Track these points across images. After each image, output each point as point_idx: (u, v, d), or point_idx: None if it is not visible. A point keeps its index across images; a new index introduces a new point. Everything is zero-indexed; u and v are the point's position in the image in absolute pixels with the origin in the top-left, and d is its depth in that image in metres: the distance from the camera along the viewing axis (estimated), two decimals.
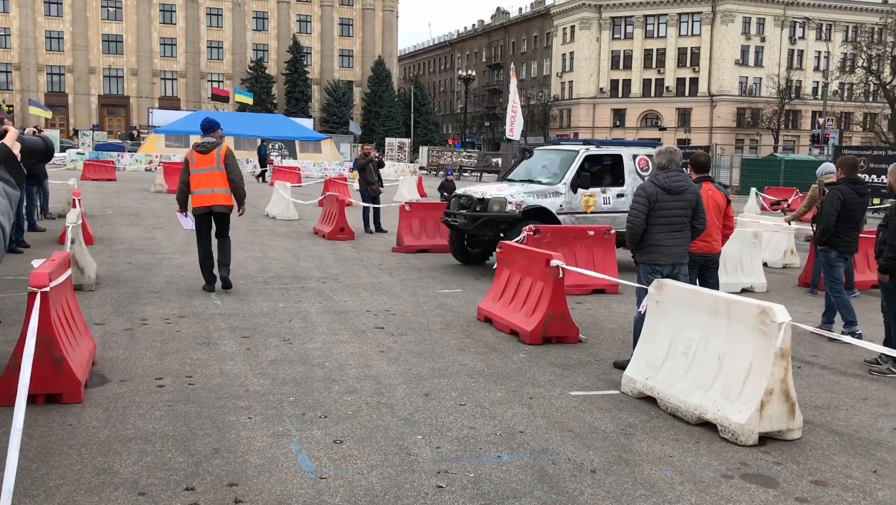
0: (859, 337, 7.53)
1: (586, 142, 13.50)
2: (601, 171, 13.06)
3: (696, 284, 7.47)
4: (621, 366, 6.85)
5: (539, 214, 11.98)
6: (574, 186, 12.26)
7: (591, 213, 12.40)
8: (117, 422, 5.19)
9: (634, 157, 12.89)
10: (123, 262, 12.00)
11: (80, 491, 4.14)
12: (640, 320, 6.81)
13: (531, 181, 12.76)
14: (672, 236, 6.77)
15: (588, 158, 12.66)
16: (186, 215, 9.84)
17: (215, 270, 9.86)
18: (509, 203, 11.83)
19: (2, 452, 4.28)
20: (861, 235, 12.43)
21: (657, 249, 6.77)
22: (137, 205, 22.26)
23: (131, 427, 5.10)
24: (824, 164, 11.03)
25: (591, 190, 12.45)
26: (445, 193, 20.39)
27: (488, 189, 12.69)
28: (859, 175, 8.45)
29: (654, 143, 14.24)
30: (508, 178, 13.65)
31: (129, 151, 49.31)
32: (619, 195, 12.60)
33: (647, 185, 6.90)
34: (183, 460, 4.59)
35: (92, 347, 6.50)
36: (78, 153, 45.18)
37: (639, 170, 12.77)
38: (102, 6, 76.80)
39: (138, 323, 8.06)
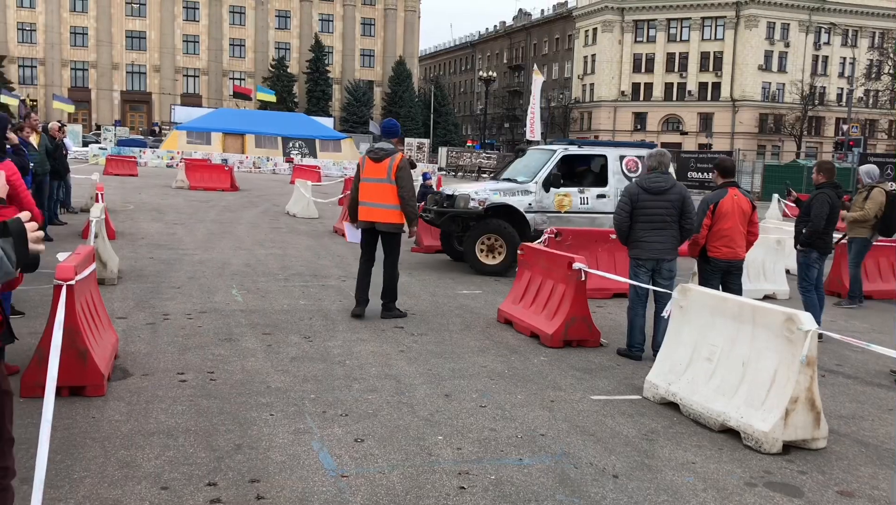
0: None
1: (571, 142, 13.71)
2: (585, 171, 13.15)
3: (719, 289, 7.42)
4: (623, 353, 7.53)
5: (506, 212, 12.19)
6: (546, 185, 12.31)
7: (566, 212, 12.42)
8: (140, 416, 5.21)
9: (622, 158, 12.80)
10: (145, 257, 12.08)
11: (103, 484, 4.16)
12: (632, 313, 7.52)
13: (510, 179, 12.96)
14: (653, 234, 7.37)
15: (567, 158, 12.76)
16: (357, 227, 9.03)
17: (370, 293, 8.86)
18: (472, 200, 12.11)
19: (28, 444, 4.31)
20: (879, 244, 12.34)
21: (639, 245, 7.45)
22: (159, 200, 22.41)
23: (154, 421, 5.12)
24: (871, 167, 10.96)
25: (567, 190, 12.48)
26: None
27: (460, 187, 13.01)
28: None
29: (649, 144, 14.11)
30: (499, 176, 13.91)
31: (150, 147, 49.66)
32: (600, 196, 12.57)
33: (631, 185, 7.66)
34: (205, 455, 4.60)
35: (115, 341, 6.54)
36: (101, 148, 45.59)
37: (626, 171, 12.70)
38: (127, 3, 77.48)
39: (160, 318, 8.10)
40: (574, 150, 12.92)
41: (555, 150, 12.86)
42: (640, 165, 12.69)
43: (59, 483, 4.12)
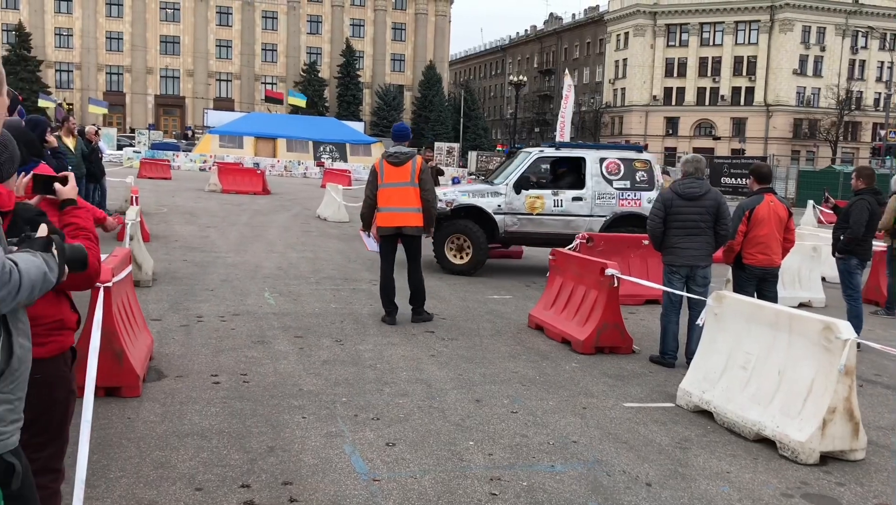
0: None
1: (550, 144, 13.77)
2: (564, 173, 13.14)
3: (753, 297, 7.33)
4: (655, 360, 7.45)
5: (476, 214, 12.34)
6: (517, 187, 12.36)
7: (538, 214, 12.42)
8: (174, 417, 5.26)
9: (602, 160, 12.67)
10: (179, 259, 12.22)
11: (139, 484, 4.21)
12: (666, 320, 7.44)
13: (489, 182, 13.13)
14: (687, 240, 7.31)
15: (541, 160, 12.85)
16: (369, 235, 8.78)
17: (397, 299, 8.62)
18: (439, 201, 12.10)
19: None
20: None
21: (673, 251, 7.40)
22: (192, 203, 22.65)
23: (188, 423, 5.17)
24: None
25: (539, 192, 12.48)
26: None
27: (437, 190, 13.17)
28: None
29: (637, 147, 13.92)
30: (490, 178, 14.02)
31: (183, 151, 50.22)
32: (576, 198, 12.51)
33: (665, 191, 7.62)
34: (238, 457, 4.63)
35: (150, 343, 6.62)
36: (135, 152, 46.19)
37: (606, 174, 12.57)
38: (161, 8, 78.44)
39: (194, 320, 8.18)
40: (550, 152, 12.94)
41: (530, 153, 12.98)
42: (621, 168, 12.62)
43: (96, 482, 4.17)
